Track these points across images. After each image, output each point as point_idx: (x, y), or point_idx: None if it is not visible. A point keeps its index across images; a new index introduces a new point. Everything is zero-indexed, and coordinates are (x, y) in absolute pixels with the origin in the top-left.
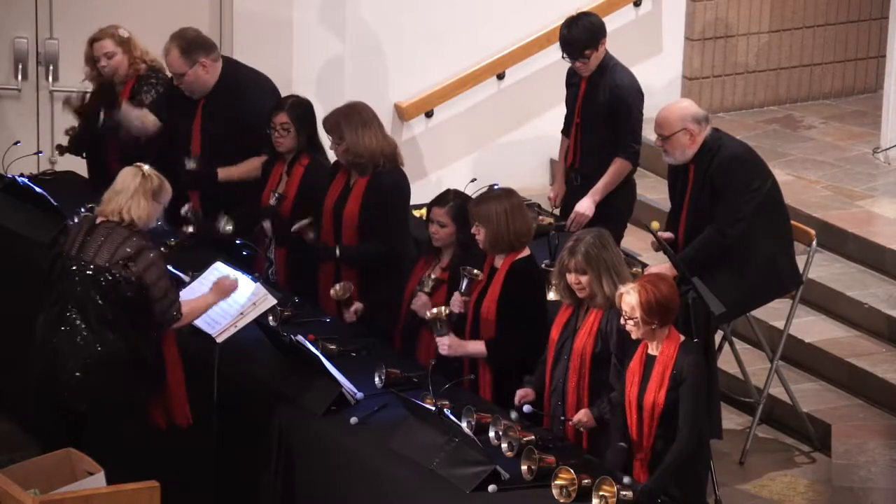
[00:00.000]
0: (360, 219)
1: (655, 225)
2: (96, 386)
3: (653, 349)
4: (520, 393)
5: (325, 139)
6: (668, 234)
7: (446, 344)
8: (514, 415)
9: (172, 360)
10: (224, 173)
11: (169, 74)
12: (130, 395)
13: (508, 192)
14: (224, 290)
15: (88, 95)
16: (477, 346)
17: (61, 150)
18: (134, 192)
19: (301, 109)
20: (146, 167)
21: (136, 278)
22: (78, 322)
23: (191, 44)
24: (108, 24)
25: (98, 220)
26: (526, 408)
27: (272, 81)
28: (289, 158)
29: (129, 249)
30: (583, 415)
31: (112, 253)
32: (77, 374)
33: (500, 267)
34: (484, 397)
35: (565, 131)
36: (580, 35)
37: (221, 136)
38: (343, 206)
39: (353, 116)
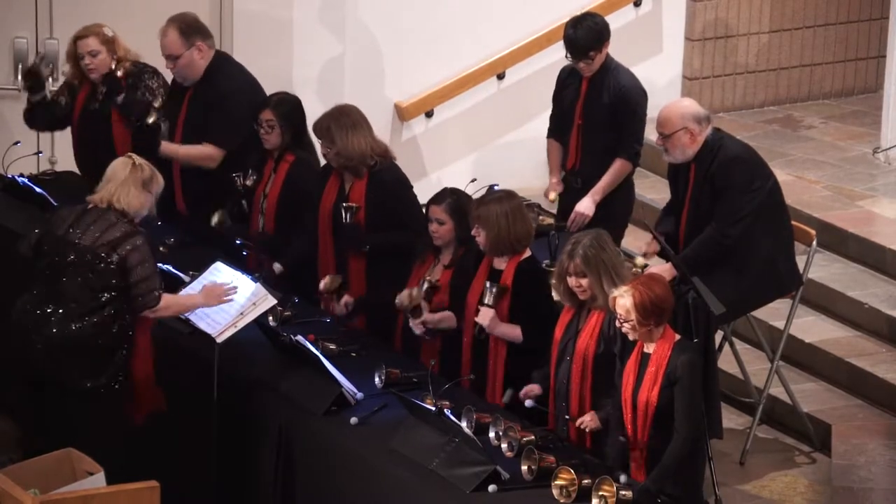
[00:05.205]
0: (367, 220)
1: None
2: (60, 367)
3: (648, 348)
4: (526, 388)
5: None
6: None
7: (488, 316)
8: (508, 393)
9: (142, 350)
10: (167, 148)
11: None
12: (91, 382)
13: (509, 195)
14: (214, 295)
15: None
16: (513, 330)
17: (27, 75)
18: (124, 181)
19: (286, 107)
20: (137, 157)
21: (118, 261)
22: (52, 302)
23: (190, 26)
24: (106, 24)
25: (89, 206)
26: (528, 402)
27: (254, 78)
28: (275, 155)
29: (116, 234)
30: (588, 417)
31: (99, 235)
32: (44, 353)
33: (506, 270)
34: (495, 377)
35: (554, 134)
36: (585, 36)
37: (201, 127)
38: None
39: (342, 119)
